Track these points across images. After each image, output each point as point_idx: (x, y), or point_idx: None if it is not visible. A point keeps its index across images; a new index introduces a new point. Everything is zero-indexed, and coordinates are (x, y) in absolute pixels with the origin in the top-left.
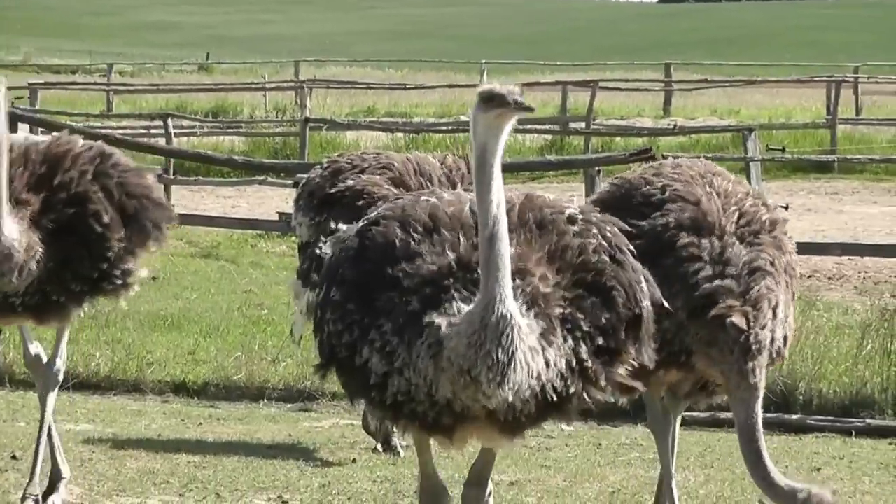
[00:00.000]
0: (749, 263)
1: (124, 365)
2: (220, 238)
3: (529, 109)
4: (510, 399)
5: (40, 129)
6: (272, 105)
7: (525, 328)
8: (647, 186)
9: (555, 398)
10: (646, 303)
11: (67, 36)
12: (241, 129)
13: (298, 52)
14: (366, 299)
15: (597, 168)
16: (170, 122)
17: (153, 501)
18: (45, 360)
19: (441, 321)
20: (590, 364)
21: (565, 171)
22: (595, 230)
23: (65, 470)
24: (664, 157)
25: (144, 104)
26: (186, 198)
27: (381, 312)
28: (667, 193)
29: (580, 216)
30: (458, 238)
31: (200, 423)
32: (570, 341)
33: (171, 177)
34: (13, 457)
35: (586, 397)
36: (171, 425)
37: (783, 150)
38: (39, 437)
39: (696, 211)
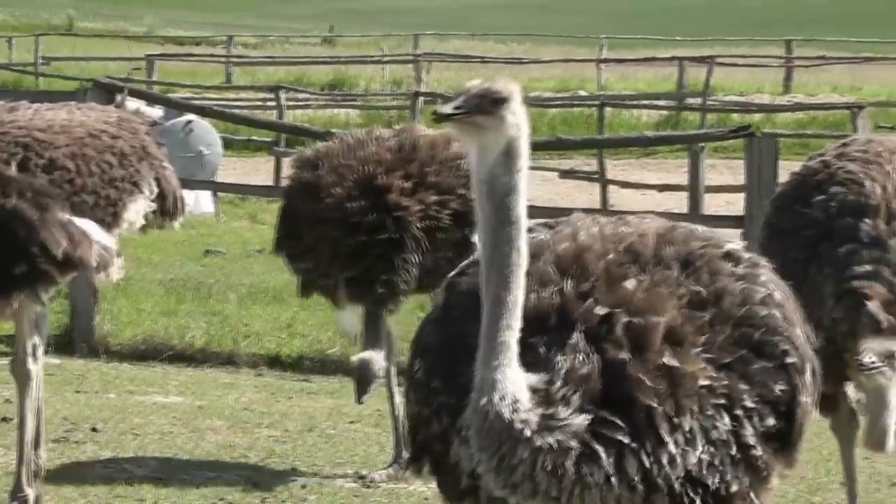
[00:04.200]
0: None
1: (220, 337)
2: None
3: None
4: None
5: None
6: (391, 78)
7: (523, 414)
8: (824, 170)
9: (705, 501)
10: (805, 399)
11: (193, 7)
12: (355, 103)
13: (422, 25)
14: (453, 374)
15: (701, 145)
16: (281, 94)
17: (229, 475)
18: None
19: None
20: (759, 452)
21: (679, 147)
22: (764, 277)
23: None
24: (762, 134)
25: (264, 76)
26: None
27: (470, 391)
28: (836, 177)
29: (745, 255)
30: (563, 282)
31: (290, 397)
32: (727, 421)
33: (282, 149)
34: (93, 429)
35: (755, 499)
36: (261, 399)
37: (893, 128)
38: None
39: (859, 193)
